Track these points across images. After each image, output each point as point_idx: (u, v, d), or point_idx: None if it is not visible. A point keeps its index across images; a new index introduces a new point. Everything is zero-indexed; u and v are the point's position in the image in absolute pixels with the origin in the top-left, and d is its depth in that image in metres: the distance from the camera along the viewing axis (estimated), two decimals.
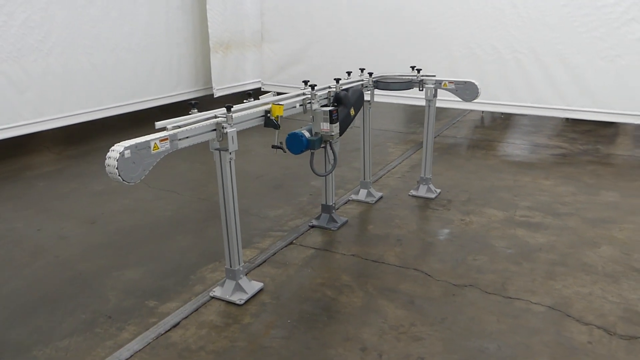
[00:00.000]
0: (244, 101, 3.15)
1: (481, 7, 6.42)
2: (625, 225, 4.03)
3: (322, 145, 3.50)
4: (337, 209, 4.40)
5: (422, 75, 4.45)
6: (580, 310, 2.93)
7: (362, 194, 4.66)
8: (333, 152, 3.67)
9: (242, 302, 3.03)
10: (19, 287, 3.29)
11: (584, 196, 4.67)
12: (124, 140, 2.37)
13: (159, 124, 2.57)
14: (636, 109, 5.86)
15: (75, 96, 6.33)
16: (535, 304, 3.00)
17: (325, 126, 3.40)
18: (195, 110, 2.80)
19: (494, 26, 6.39)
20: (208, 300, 3.08)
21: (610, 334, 2.71)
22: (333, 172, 3.86)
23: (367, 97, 4.25)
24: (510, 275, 3.32)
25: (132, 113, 7.12)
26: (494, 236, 3.88)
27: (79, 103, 6.38)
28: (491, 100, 6.45)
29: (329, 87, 3.77)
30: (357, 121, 3.92)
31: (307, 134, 3.37)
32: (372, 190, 4.68)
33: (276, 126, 3.12)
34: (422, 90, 4.48)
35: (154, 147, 2.45)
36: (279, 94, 3.49)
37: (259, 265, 3.50)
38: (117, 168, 2.28)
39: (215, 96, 7.98)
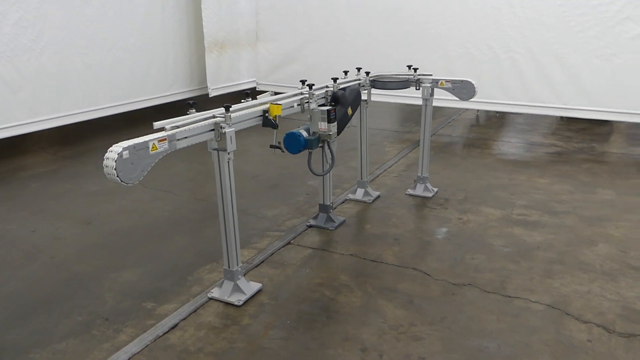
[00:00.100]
0: (242, 101, 3.13)
1: (480, 7, 6.43)
2: (621, 223, 4.05)
3: (320, 144, 3.49)
4: (335, 208, 4.39)
5: (419, 75, 4.45)
6: (579, 308, 2.94)
7: (359, 194, 4.65)
8: (331, 152, 3.66)
9: (241, 303, 3.02)
10: (14, 289, 3.26)
11: (580, 194, 4.68)
12: (120, 140, 2.34)
13: (157, 124, 2.55)
14: (631, 107, 5.90)
15: (70, 96, 6.29)
16: (534, 302, 3.00)
17: (323, 125, 3.39)
18: (194, 110, 2.77)
19: (491, 26, 6.40)
20: (206, 302, 3.06)
21: (609, 332, 2.72)
22: (330, 171, 3.85)
23: (364, 97, 4.24)
24: (509, 274, 3.32)
25: (126, 113, 7.08)
26: (492, 235, 3.89)
27: (74, 103, 6.34)
28: (487, 99, 6.47)
29: (327, 87, 3.76)
30: (354, 120, 3.91)
31: (304, 134, 3.35)
32: (369, 190, 4.68)
33: (274, 126, 3.11)
34: (418, 89, 4.48)
35: (153, 147, 2.42)
36: (275, 93, 3.48)
37: (257, 266, 3.48)
38: (115, 169, 2.25)
39: (210, 96, 7.95)
